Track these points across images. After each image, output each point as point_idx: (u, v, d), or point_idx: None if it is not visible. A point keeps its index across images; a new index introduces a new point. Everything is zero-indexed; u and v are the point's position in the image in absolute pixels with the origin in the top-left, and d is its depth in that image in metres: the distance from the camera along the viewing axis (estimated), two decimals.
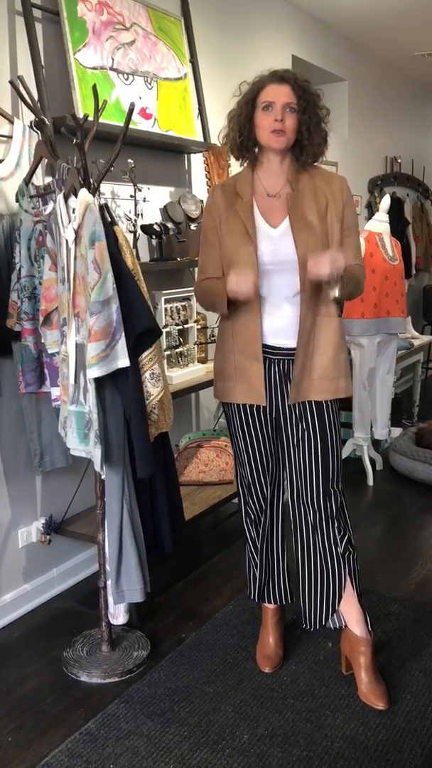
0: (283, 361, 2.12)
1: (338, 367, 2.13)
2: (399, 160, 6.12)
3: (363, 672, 2.18)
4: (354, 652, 2.21)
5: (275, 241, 2.06)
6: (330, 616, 2.25)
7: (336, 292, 1.97)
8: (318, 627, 2.28)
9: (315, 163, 2.13)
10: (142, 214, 2.83)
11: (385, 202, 4.00)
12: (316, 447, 2.14)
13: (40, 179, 2.42)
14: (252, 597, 2.41)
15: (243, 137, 2.07)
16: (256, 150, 2.12)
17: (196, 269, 2.23)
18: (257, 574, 2.36)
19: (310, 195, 2.07)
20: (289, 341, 2.10)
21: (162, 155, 3.24)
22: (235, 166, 2.95)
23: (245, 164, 2.17)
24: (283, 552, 2.37)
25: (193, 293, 3.13)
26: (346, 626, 2.25)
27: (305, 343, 2.08)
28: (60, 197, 2.10)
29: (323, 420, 2.14)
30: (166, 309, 2.98)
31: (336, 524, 2.18)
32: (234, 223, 2.09)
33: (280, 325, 2.09)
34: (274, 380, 2.14)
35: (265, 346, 2.11)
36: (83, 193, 2.04)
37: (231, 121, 2.10)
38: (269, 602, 2.40)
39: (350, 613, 2.22)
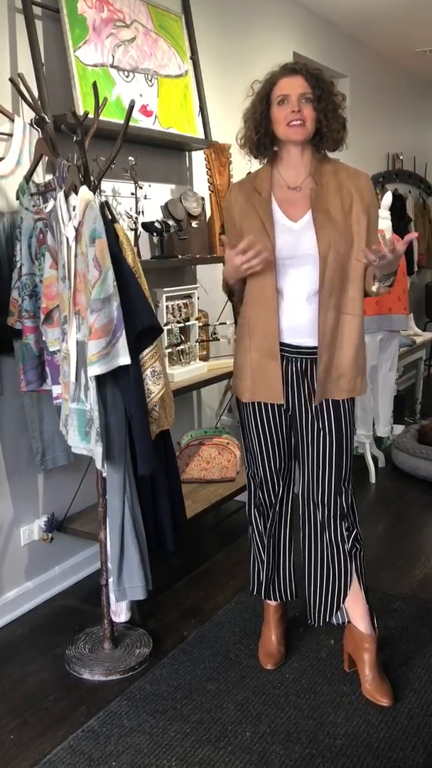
0: (301, 360, 2.09)
1: (357, 366, 2.11)
2: (401, 157, 6.11)
3: (367, 669, 2.18)
4: (358, 649, 2.21)
5: (295, 235, 2.02)
6: (335, 613, 2.25)
7: (377, 286, 1.99)
8: (323, 623, 2.28)
9: (337, 150, 2.09)
10: (143, 212, 2.83)
11: (387, 199, 3.99)
12: (331, 445, 2.13)
13: (40, 177, 2.42)
14: (255, 592, 2.41)
15: (260, 134, 2.04)
16: (274, 147, 2.09)
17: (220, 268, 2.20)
18: (262, 570, 2.35)
19: (334, 190, 2.03)
20: (308, 340, 2.06)
21: (163, 153, 3.23)
22: (237, 164, 2.95)
23: (264, 162, 2.14)
24: (290, 549, 2.37)
25: (194, 291, 3.13)
26: (349, 623, 2.25)
27: (328, 342, 2.05)
28: (60, 195, 2.10)
29: (339, 419, 2.12)
30: (167, 306, 2.98)
31: (345, 521, 2.17)
32: (252, 218, 2.06)
33: (298, 323, 2.06)
34: (292, 379, 2.12)
35: (282, 344, 2.08)
36: (84, 190, 2.04)
37: (247, 120, 2.08)
38: (273, 599, 2.40)
39: (356, 609, 2.22)
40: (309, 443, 2.16)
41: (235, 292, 2.18)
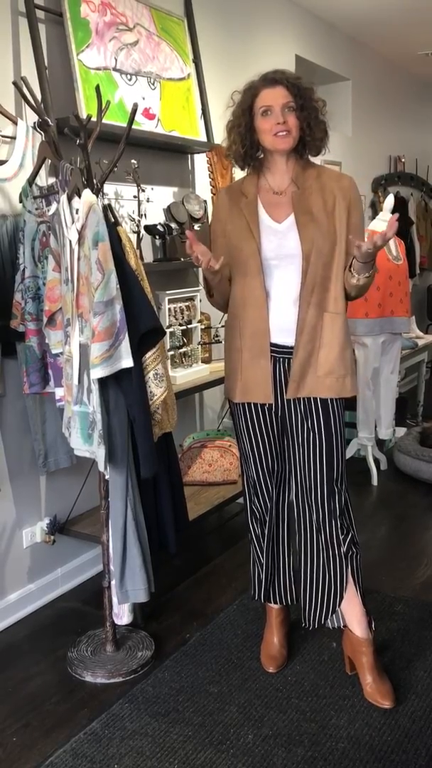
0: (289, 360, 2.12)
1: (345, 365, 2.13)
2: (403, 160, 6.11)
3: (367, 672, 2.18)
4: (356, 653, 2.21)
5: (280, 236, 2.06)
6: (329, 616, 2.25)
7: (358, 278, 2.00)
8: (317, 626, 2.28)
9: (318, 156, 2.13)
10: (145, 215, 2.84)
11: (389, 201, 3.99)
12: (321, 445, 2.14)
13: (43, 180, 2.42)
14: (256, 597, 2.41)
15: (246, 147, 2.07)
16: (260, 155, 2.12)
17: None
18: (262, 574, 2.35)
19: (317, 191, 2.07)
20: (293, 339, 2.10)
21: (165, 155, 3.24)
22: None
23: (250, 170, 2.17)
24: (288, 552, 2.37)
25: (196, 293, 3.14)
26: (345, 626, 2.25)
27: (308, 339, 2.08)
28: (63, 198, 2.11)
29: (328, 418, 2.14)
30: (169, 309, 2.98)
31: (339, 523, 2.17)
32: (238, 220, 2.11)
33: (285, 324, 2.09)
34: (280, 379, 2.14)
35: (271, 344, 2.11)
36: (86, 193, 2.04)
37: (231, 132, 2.10)
38: (274, 603, 2.40)
39: (351, 613, 2.22)
40: (299, 444, 2.18)
41: (211, 289, 2.19)
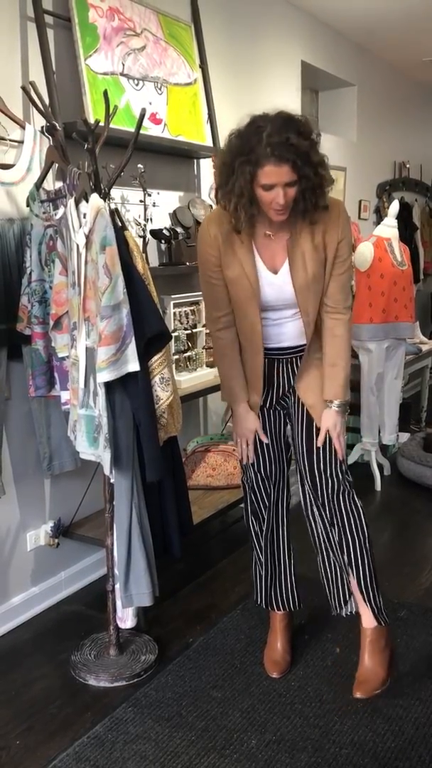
0: (285, 359, 2.19)
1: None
2: (407, 165, 6.12)
3: (362, 656, 2.24)
4: (361, 636, 2.27)
5: (276, 287, 2.08)
6: (346, 602, 2.30)
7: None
8: (339, 612, 2.32)
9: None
10: (151, 219, 2.84)
11: (394, 207, 4.00)
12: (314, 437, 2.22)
13: (50, 184, 2.43)
14: (259, 602, 2.41)
15: (252, 214, 1.95)
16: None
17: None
18: (263, 577, 2.36)
19: (307, 232, 2.03)
20: (290, 342, 2.17)
21: (171, 160, 3.25)
22: None
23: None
24: (289, 556, 2.38)
25: (201, 298, 3.13)
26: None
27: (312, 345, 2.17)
28: (71, 202, 2.11)
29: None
30: (174, 313, 2.99)
31: (338, 505, 2.22)
32: (235, 267, 2.05)
33: (282, 336, 2.17)
34: (278, 377, 2.21)
35: (267, 348, 2.16)
36: (94, 198, 2.05)
37: (230, 198, 1.93)
38: (276, 609, 2.40)
39: (358, 601, 2.26)
40: (298, 435, 2.25)
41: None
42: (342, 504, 2.21)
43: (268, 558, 2.35)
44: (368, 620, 2.24)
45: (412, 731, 2.05)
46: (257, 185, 1.90)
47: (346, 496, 2.21)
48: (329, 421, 2.17)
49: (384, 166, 5.80)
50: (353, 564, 2.22)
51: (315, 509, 2.25)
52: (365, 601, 2.24)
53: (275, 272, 2.07)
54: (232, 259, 2.05)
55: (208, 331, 3.23)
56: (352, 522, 2.21)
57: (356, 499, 2.23)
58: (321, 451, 2.20)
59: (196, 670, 2.35)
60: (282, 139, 1.81)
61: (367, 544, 2.23)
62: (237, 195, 1.91)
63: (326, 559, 2.29)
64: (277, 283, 2.08)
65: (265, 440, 2.24)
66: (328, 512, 2.22)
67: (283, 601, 2.39)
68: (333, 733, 2.05)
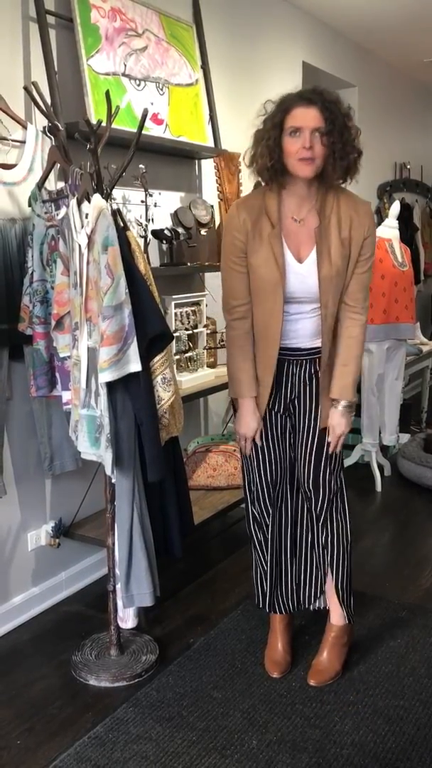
0: (300, 361, 2.19)
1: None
2: (408, 166, 6.12)
3: (322, 647, 2.33)
4: (326, 630, 2.34)
5: (300, 277, 2.07)
6: (317, 598, 2.38)
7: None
8: (307, 606, 2.40)
9: (347, 181, 2.07)
10: (152, 219, 2.84)
11: (395, 208, 4.00)
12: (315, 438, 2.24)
13: (52, 184, 2.43)
14: (260, 606, 2.41)
15: (273, 161, 1.97)
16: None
17: (221, 293, 2.22)
18: (266, 583, 2.35)
19: (334, 224, 2.04)
20: (305, 342, 2.16)
21: (173, 161, 3.25)
22: (246, 172, 2.95)
23: (272, 185, 2.06)
24: (292, 561, 2.38)
25: (202, 298, 3.14)
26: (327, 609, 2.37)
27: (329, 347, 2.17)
28: (73, 202, 2.12)
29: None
30: (176, 314, 2.99)
31: (331, 510, 2.25)
32: (262, 252, 2.05)
33: (300, 333, 2.15)
34: (291, 380, 2.20)
35: (282, 348, 2.15)
36: (96, 198, 2.05)
37: (258, 144, 2.00)
38: (279, 612, 2.40)
39: (331, 599, 2.33)
40: (300, 435, 2.27)
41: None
42: (334, 510, 2.25)
43: (272, 563, 2.34)
44: (337, 618, 2.31)
45: (413, 731, 2.05)
46: (285, 133, 1.94)
47: (339, 502, 2.26)
48: (333, 420, 2.17)
49: (385, 167, 5.80)
50: (334, 565, 2.27)
51: (306, 512, 2.30)
52: (339, 600, 2.29)
53: (300, 261, 2.07)
54: (260, 245, 2.04)
55: (209, 331, 3.24)
56: (341, 526, 2.26)
57: (347, 504, 2.28)
58: (324, 462, 2.20)
59: (197, 671, 2.35)
60: (311, 88, 1.97)
61: (350, 548, 2.30)
62: (265, 139, 1.97)
63: (306, 557, 2.35)
64: (302, 273, 2.06)
65: (258, 443, 2.23)
66: (321, 516, 2.24)
67: (285, 605, 2.39)
68: (334, 733, 2.05)
